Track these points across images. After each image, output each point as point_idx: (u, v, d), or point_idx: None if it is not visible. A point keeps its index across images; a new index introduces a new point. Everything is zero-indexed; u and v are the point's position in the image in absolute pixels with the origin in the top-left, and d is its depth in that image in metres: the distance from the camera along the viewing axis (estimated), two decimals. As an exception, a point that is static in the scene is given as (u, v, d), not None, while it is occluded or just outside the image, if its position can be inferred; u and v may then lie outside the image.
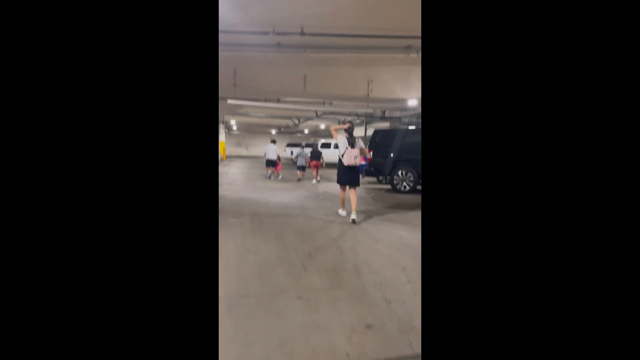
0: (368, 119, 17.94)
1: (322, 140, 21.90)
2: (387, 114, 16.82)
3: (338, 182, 6.30)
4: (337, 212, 6.75)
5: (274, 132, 35.91)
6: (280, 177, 14.98)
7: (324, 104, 10.98)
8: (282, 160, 21.63)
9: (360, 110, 15.14)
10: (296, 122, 21.73)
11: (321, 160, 13.93)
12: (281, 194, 9.68)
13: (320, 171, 15.98)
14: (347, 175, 6.19)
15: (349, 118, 18.37)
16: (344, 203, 6.67)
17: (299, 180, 13.82)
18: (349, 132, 6.15)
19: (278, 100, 9.23)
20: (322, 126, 26.42)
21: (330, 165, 21.83)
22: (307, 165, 14.28)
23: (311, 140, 25.00)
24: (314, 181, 13.17)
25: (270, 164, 15.20)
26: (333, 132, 6.28)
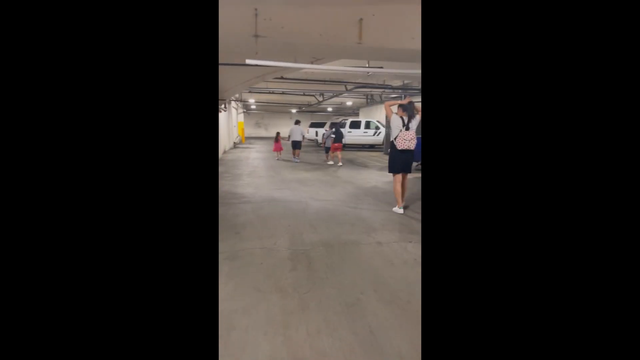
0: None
1: (350, 119, 19.75)
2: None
3: (390, 170, 5.52)
4: (393, 210, 5.64)
5: (294, 110, 32.38)
6: (279, 157, 14.32)
7: (368, 65, 8.16)
8: (304, 141, 19.38)
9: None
10: (320, 98, 19.10)
11: (342, 141, 13.18)
12: (319, 191, 7.36)
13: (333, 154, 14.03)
14: (400, 161, 5.41)
15: (405, 95, 15.60)
16: (401, 196, 5.60)
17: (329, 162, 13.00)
18: (408, 109, 5.30)
19: (313, 62, 6.61)
20: (349, 102, 23.67)
21: (350, 148, 19.72)
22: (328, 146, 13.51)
23: (339, 119, 22.11)
24: (336, 163, 12.38)
25: (297, 145, 14.27)
26: (387, 110, 5.48)
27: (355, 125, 19.67)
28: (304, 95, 19.17)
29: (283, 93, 17.71)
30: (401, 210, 5.49)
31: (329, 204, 6.12)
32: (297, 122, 14.54)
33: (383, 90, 15.24)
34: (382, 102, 21.78)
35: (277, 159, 14.24)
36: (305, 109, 30.78)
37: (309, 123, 26.24)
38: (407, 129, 5.20)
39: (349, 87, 14.52)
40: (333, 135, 13.22)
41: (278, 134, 15.17)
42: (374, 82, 13.81)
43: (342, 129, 18.34)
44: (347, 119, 20.13)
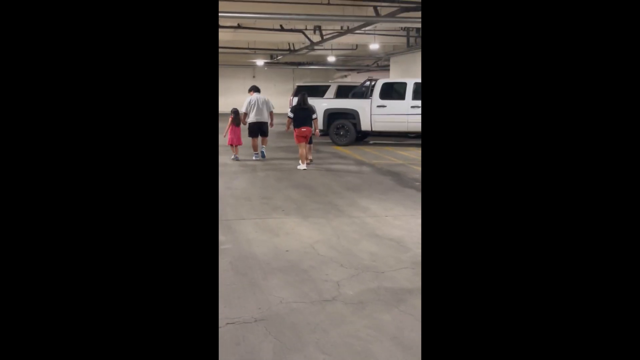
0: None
1: (382, 81, 11.82)
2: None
3: None
4: None
5: (261, 62, 21.16)
6: (235, 156, 9.31)
7: None
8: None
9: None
10: (316, 36, 12.71)
11: (313, 124, 8.52)
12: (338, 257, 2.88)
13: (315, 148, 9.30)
14: None
15: None
16: None
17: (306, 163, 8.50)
18: None
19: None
20: (375, 45, 14.92)
21: (383, 139, 12.42)
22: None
23: (364, 81, 13.22)
24: (301, 165, 8.30)
25: (260, 129, 9.28)
26: None
27: (392, 91, 11.55)
28: (282, 30, 12.81)
29: (239, 27, 11.84)
30: None
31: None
32: (256, 89, 9.51)
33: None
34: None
35: (234, 159, 9.29)
36: (283, 59, 19.58)
37: (292, 88, 17.12)
38: None
39: (383, 10, 8.93)
40: (290, 115, 8.51)
41: (235, 112, 9.46)
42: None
43: (321, 99, 11.80)
44: (373, 80, 12.19)
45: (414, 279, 3.45)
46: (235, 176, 7.80)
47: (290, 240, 4.36)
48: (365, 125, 11.68)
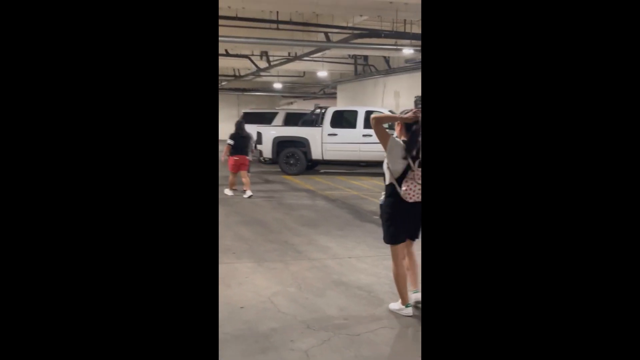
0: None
1: (332, 109, 11.36)
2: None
3: (390, 239, 3.15)
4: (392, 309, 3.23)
5: None
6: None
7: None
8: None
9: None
10: (262, 62, 12.27)
11: (250, 152, 8.35)
12: None
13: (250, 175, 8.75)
14: (407, 220, 3.09)
15: (415, 98, 10.18)
16: (408, 280, 3.24)
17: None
18: (414, 132, 2.94)
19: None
20: (323, 73, 14.76)
21: (333, 168, 12.09)
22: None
23: (314, 107, 12.94)
24: (228, 191, 8.16)
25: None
26: (377, 128, 3.07)
27: (342, 120, 11.16)
28: (227, 55, 12.10)
29: None
30: (409, 311, 3.12)
31: None
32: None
33: (396, 45, 8.80)
34: (381, 73, 13.11)
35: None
36: (228, 85, 19.24)
37: (237, 114, 16.12)
38: (418, 163, 2.92)
39: (334, 37, 8.60)
40: (231, 142, 8.06)
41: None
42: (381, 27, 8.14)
43: (260, 129, 11.30)
44: (323, 108, 11.95)
45: (395, 343, 2.94)
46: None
47: (245, 293, 3.74)
48: (316, 154, 11.26)
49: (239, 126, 8.21)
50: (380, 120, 3.11)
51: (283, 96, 23.99)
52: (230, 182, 8.22)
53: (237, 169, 8.07)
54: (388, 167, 3.08)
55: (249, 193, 8.06)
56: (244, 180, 8.19)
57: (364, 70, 14.63)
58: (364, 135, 10.79)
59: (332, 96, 19.86)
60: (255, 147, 12.57)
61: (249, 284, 3.95)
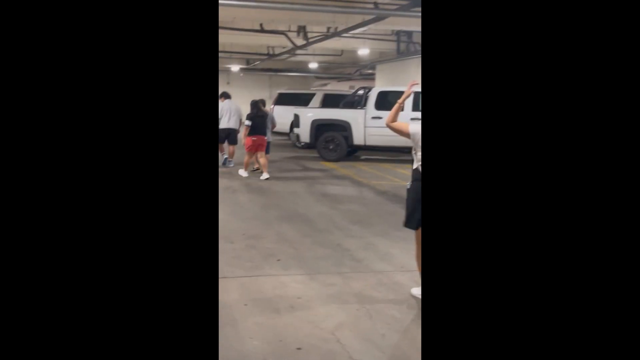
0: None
1: (377, 89, 10.47)
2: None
3: (417, 224, 3.04)
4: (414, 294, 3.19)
5: (236, 68, 19.31)
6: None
7: None
8: (274, 130, 9.79)
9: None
10: (300, 39, 11.20)
11: (268, 132, 8.22)
12: None
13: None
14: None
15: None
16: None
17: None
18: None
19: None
20: (365, 50, 13.30)
21: (375, 154, 11.10)
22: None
23: (354, 89, 12.21)
24: (243, 172, 7.99)
25: (226, 137, 8.77)
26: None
27: (388, 101, 9.68)
28: (261, 32, 11.05)
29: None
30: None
31: None
32: (227, 96, 9.05)
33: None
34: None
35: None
36: (260, 65, 18.08)
37: (268, 96, 15.49)
38: None
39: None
40: (248, 123, 7.82)
41: None
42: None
43: (297, 111, 10.74)
44: (367, 88, 10.92)
45: None
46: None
47: (299, 323, 2.85)
48: (358, 139, 10.23)
49: (255, 105, 7.98)
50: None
51: (317, 77, 22.92)
52: (246, 162, 7.98)
53: (254, 149, 7.81)
54: (414, 152, 3.14)
55: (265, 175, 7.71)
56: (261, 161, 7.91)
57: (406, 48, 13.36)
58: (412, 119, 9.66)
59: (369, 77, 18.73)
60: (292, 129, 11.77)
61: (303, 308, 3.05)
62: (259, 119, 7.90)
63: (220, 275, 3.53)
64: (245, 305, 3.07)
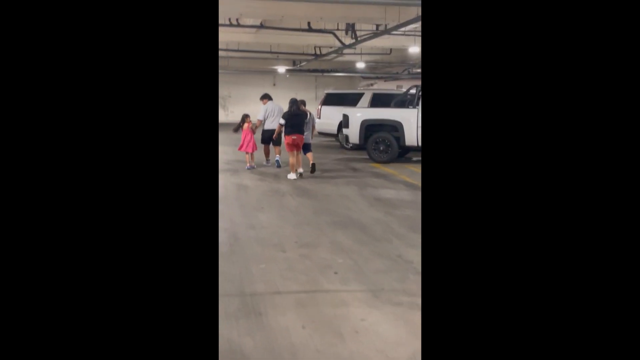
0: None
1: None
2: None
3: None
4: None
5: (282, 70, 18.92)
6: (251, 164, 8.89)
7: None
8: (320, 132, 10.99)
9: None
10: (347, 38, 10.94)
11: (307, 131, 8.15)
12: None
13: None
14: None
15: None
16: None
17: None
18: None
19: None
20: (415, 48, 12.49)
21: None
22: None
23: (401, 88, 12.09)
24: (291, 175, 7.75)
25: (269, 138, 8.80)
26: None
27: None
28: (309, 31, 10.89)
29: (262, 27, 10.25)
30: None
31: None
32: (269, 98, 9.10)
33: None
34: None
35: (249, 168, 8.74)
36: (306, 66, 17.54)
37: (315, 97, 15.31)
38: None
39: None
40: (282, 121, 7.84)
41: (246, 117, 9.09)
42: None
43: (354, 109, 10.58)
44: (420, 87, 9.95)
45: None
46: (259, 204, 5.97)
47: (367, 352, 2.47)
48: (410, 140, 9.74)
49: (294, 104, 7.88)
50: None
51: (363, 77, 22.45)
52: (291, 164, 7.79)
53: (293, 148, 7.69)
54: None
55: (292, 176, 7.74)
56: (291, 160, 7.82)
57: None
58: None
59: (417, 76, 18.09)
60: (341, 130, 11.42)
61: (369, 332, 2.68)
62: (295, 118, 7.77)
63: (273, 290, 3.22)
64: (303, 327, 2.72)
